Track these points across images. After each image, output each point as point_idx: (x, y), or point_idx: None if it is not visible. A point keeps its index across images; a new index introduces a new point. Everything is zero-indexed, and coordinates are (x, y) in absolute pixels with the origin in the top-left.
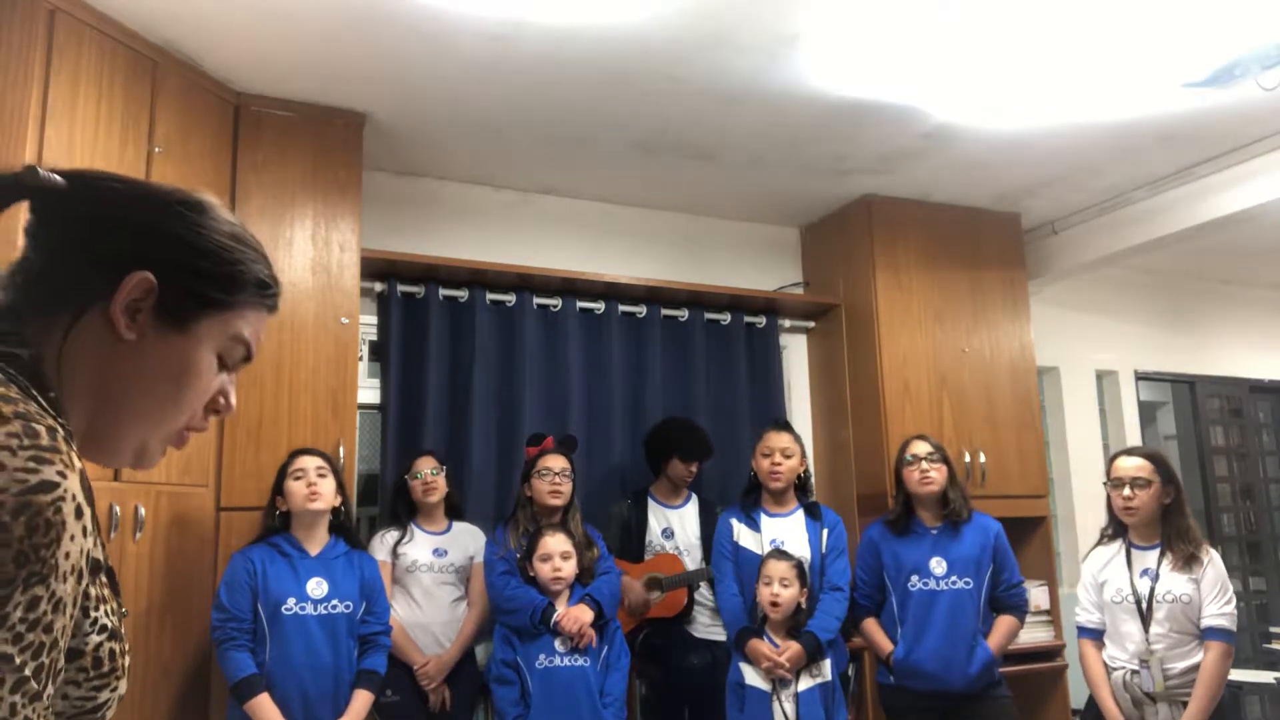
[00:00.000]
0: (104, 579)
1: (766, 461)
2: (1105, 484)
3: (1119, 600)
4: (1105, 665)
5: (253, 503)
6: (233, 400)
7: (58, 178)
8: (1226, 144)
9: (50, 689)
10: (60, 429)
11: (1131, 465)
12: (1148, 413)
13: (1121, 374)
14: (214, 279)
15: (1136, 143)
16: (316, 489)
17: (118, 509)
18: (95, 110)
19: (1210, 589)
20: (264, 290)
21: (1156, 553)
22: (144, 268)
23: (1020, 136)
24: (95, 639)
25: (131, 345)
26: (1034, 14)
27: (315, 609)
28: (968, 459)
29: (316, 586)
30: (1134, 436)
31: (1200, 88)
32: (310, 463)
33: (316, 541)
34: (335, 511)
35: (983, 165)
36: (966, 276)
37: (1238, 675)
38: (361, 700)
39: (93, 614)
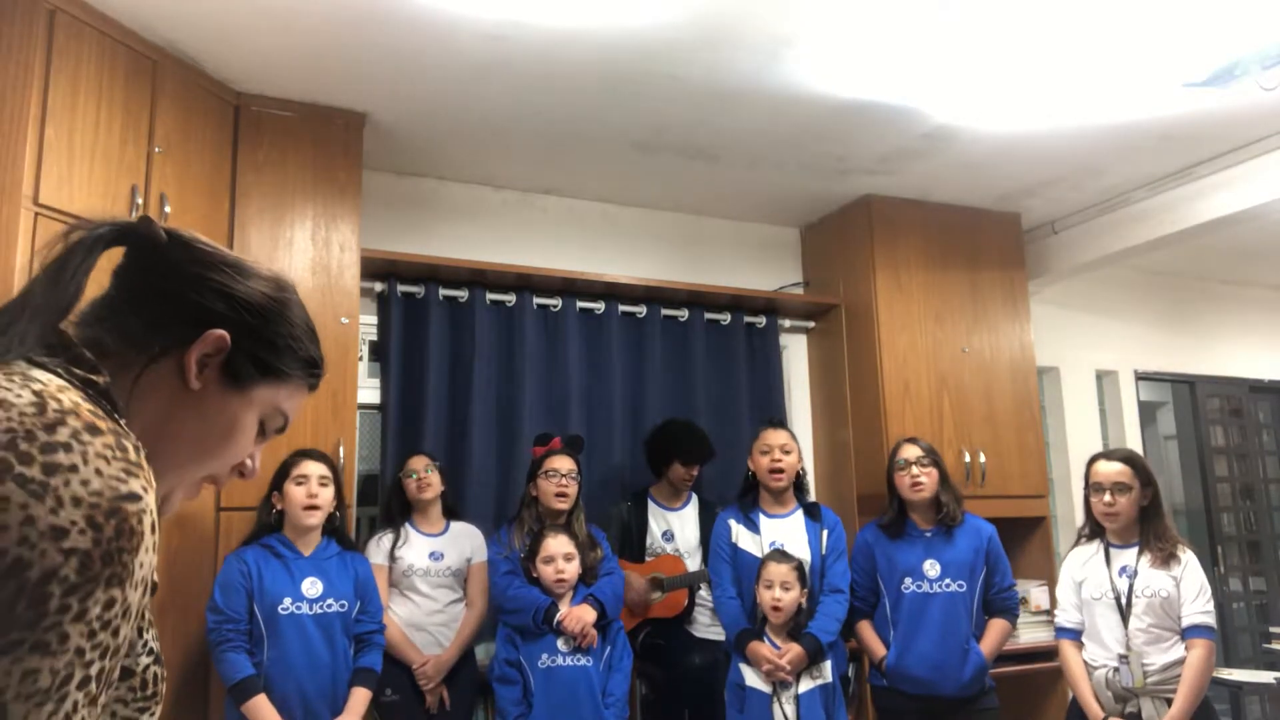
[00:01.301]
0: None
1: (766, 459)
2: (1085, 487)
3: (1098, 596)
4: (1086, 664)
5: (252, 503)
6: (257, 466)
7: (163, 233)
8: (1226, 144)
9: (105, 696)
10: (140, 449)
11: (1112, 470)
12: (1148, 413)
13: (1121, 374)
14: (277, 351)
15: (1136, 143)
16: (317, 500)
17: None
18: (95, 110)
19: (1191, 588)
20: (312, 369)
21: (1135, 550)
22: (222, 327)
23: (1020, 136)
24: (145, 660)
25: (193, 395)
26: (1034, 14)
27: (311, 609)
28: (967, 459)
29: (311, 586)
30: (1134, 436)
31: (1200, 88)
32: (314, 469)
33: (310, 542)
34: (330, 516)
35: (983, 165)
36: (966, 276)
37: (1238, 675)
38: (359, 697)
39: (144, 635)
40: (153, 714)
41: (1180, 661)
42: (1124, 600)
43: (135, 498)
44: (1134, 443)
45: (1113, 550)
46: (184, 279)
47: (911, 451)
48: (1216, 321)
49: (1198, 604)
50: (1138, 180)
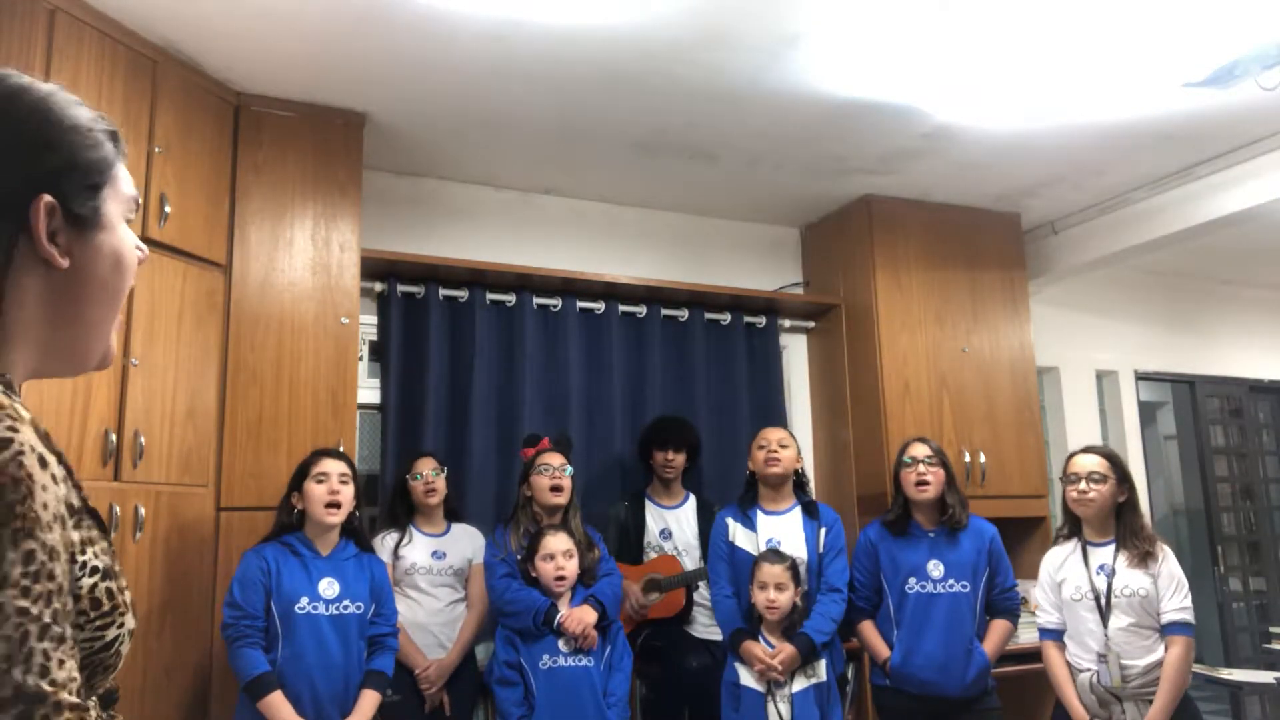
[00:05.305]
0: (89, 521)
1: (762, 453)
2: (1061, 480)
3: (1078, 598)
4: (1070, 666)
5: (252, 503)
6: (144, 247)
7: None
8: (1226, 144)
9: (69, 631)
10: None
11: (1089, 462)
12: (1148, 413)
13: (1121, 374)
14: (93, 164)
15: (1136, 143)
16: (339, 497)
17: (118, 509)
18: (95, 110)
19: (1168, 585)
20: (116, 139)
21: (1111, 549)
22: (37, 190)
23: (1020, 136)
24: (88, 581)
25: (67, 272)
26: (1034, 14)
27: (327, 609)
28: (967, 459)
29: (328, 587)
30: (1134, 436)
31: (1200, 88)
32: (334, 467)
33: (328, 543)
34: (349, 516)
35: (983, 165)
36: (966, 276)
37: (1238, 675)
38: (369, 700)
39: (80, 558)
40: (119, 625)
41: (1162, 662)
42: (1103, 600)
43: (3, 444)
44: (1134, 442)
45: (1090, 548)
46: None
47: (920, 450)
48: (1216, 321)
49: (1175, 600)
50: (1138, 180)
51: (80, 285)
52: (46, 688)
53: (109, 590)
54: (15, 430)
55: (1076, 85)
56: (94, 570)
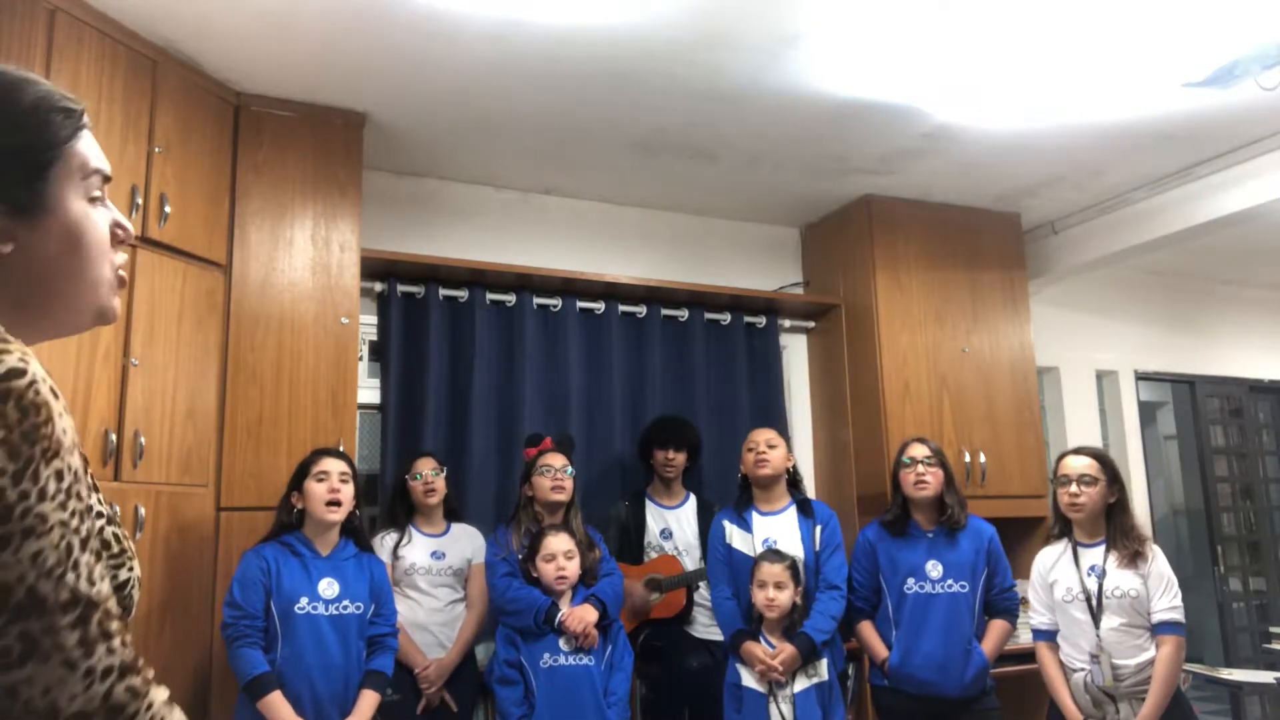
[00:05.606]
0: (91, 470)
1: (751, 455)
2: (1051, 482)
3: (1069, 599)
4: (1063, 666)
5: (252, 503)
6: (128, 224)
7: None
8: (1226, 144)
9: (101, 550)
10: None
11: (1079, 464)
12: (1148, 413)
13: (1121, 374)
14: (33, 144)
15: (1136, 143)
16: (339, 496)
17: (118, 509)
18: (95, 110)
19: (1158, 584)
20: (73, 116)
21: (1102, 549)
22: None
23: (1020, 136)
24: (96, 524)
25: (14, 254)
26: (1034, 14)
27: (327, 609)
28: (967, 459)
29: (328, 587)
30: (1134, 436)
31: (1200, 88)
32: (335, 466)
33: (328, 543)
34: (349, 515)
35: (983, 165)
36: (966, 276)
37: (1238, 675)
38: (369, 700)
39: (88, 500)
40: (130, 569)
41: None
42: (1094, 601)
43: (18, 372)
44: (1134, 443)
45: (1080, 549)
46: None
47: (919, 450)
48: (1216, 321)
49: (1165, 600)
50: (1138, 180)
51: (31, 268)
52: (96, 597)
53: (115, 535)
54: (26, 362)
55: (1076, 85)
56: (99, 515)
